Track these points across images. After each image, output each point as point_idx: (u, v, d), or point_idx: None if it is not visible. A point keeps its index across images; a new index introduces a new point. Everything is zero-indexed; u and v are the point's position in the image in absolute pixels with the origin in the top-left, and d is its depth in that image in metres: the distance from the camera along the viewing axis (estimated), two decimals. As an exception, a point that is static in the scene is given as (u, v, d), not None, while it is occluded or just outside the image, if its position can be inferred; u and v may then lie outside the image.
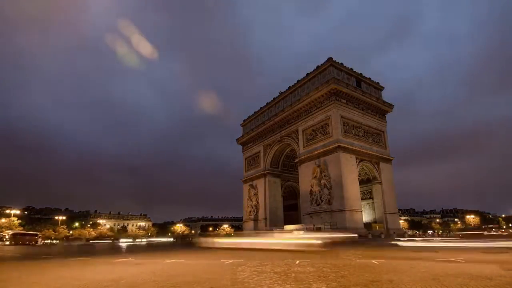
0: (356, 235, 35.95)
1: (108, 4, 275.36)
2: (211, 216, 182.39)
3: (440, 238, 61.92)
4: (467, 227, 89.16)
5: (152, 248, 36.53)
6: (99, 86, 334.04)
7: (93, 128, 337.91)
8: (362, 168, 56.09)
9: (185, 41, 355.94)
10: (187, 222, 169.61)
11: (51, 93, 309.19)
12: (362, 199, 53.34)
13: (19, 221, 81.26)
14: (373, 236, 47.68)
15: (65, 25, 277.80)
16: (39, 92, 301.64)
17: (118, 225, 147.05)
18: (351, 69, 59.45)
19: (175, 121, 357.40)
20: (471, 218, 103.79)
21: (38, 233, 68.43)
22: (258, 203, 72.13)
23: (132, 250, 31.88)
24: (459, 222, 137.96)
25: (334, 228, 46.65)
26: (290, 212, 71.01)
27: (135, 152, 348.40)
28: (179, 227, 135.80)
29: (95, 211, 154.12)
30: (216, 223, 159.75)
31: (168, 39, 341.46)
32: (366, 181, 57.94)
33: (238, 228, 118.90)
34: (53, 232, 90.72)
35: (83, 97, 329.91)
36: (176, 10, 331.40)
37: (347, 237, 30.14)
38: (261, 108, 76.86)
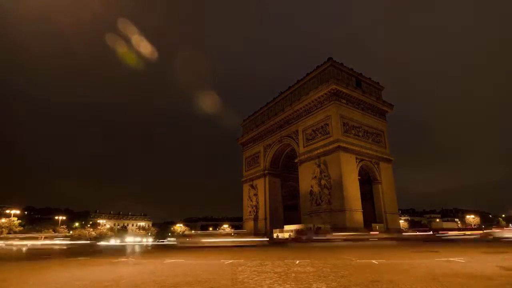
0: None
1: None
2: (211, 216, 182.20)
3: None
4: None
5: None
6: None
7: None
8: (362, 168, 56.08)
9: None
10: (187, 222, 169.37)
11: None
12: (362, 199, 53.35)
13: (19, 221, 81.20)
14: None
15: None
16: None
17: (118, 225, 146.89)
18: (351, 69, 59.39)
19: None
20: (471, 218, 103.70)
21: None
22: (258, 203, 72.09)
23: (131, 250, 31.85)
24: (459, 222, 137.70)
25: (334, 228, 46.68)
26: (290, 212, 70.94)
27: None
28: (179, 227, 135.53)
29: (95, 211, 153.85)
30: (216, 223, 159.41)
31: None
32: (366, 181, 57.86)
33: (238, 228, 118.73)
34: (52, 232, 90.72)
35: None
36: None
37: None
38: (261, 108, 76.78)
